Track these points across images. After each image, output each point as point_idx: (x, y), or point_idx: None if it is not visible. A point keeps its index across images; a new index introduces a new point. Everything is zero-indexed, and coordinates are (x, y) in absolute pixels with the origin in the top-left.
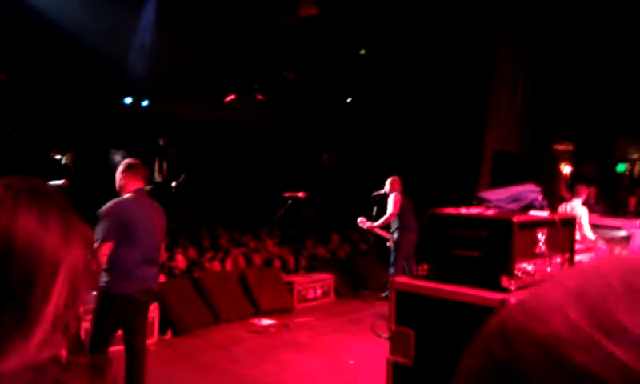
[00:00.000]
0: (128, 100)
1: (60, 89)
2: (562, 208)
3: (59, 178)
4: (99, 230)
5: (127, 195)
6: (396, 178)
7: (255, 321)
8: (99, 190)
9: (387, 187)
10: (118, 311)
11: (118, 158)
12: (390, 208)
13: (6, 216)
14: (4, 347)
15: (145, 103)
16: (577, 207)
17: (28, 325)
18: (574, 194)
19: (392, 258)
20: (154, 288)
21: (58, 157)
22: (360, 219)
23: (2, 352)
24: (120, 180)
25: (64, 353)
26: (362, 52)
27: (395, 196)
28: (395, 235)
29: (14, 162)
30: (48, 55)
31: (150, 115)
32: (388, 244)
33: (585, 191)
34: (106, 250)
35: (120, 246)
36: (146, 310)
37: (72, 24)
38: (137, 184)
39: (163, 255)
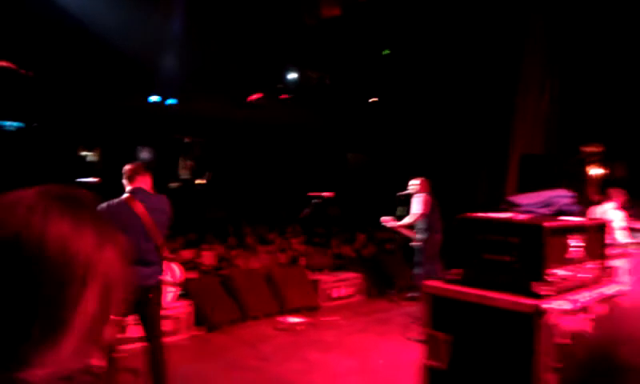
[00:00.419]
0: (154, 98)
1: (87, 86)
2: (592, 212)
3: (89, 176)
4: None
5: (118, 198)
6: (424, 179)
7: (282, 318)
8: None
9: (414, 188)
10: None
11: (144, 155)
12: (419, 208)
13: (39, 222)
14: (34, 356)
15: (170, 101)
16: (608, 211)
17: (58, 334)
18: (605, 198)
19: (417, 259)
20: (152, 285)
21: (85, 154)
22: (384, 218)
23: (33, 361)
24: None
25: (99, 362)
26: (386, 52)
27: (424, 196)
28: (420, 236)
29: (42, 160)
30: (75, 52)
31: (176, 113)
32: (414, 244)
33: (619, 195)
34: None
35: None
36: (148, 306)
37: (99, 21)
38: (135, 184)
39: (165, 252)
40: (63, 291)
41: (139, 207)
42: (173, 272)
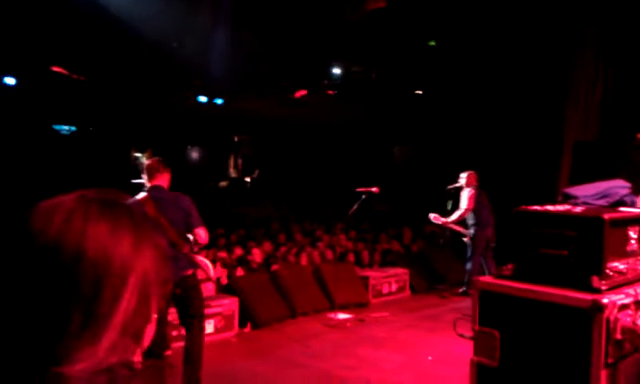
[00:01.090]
0: (203, 98)
1: (138, 89)
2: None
3: (141, 177)
4: None
5: (134, 198)
6: (472, 172)
7: (331, 315)
8: (177, 185)
9: (462, 181)
10: None
11: (194, 154)
12: (465, 203)
13: (78, 226)
14: (73, 351)
15: (219, 101)
16: None
17: (97, 329)
18: None
19: (468, 254)
20: (177, 280)
21: (137, 154)
22: (433, 216)
23: (72, 355)
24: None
25: (137, 358)
26: (432, 43)
27: (470, 191)
28: (471, 231)
29: (96, 162)
30: (124, 56)
31: (225, 113)
32: (465, 239)
33: None
34: None
35: None
36: (180, 302)
37: (148, 24)
38: (153, 182)
39: (185, 248)
40: (102, 290)
41: (151, 206)
42: (206, 267)
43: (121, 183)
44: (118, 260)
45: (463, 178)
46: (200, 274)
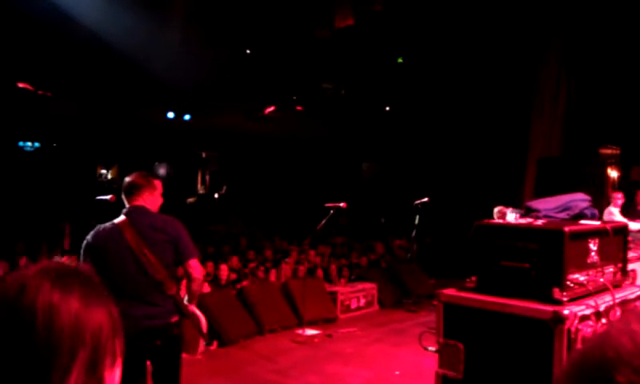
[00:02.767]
0: (170, 114)
1: (104, 105)
2: (605, 213)
3: (106, 194)
4: None
5: (111, 221)
6: (502, 207)
7: (299, 331)
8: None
9: (497, 215)
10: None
11: (161, 170)
12: None
13: (29, 297)
14: None
15: (187, 117)
16: (612, 213)
17: None
18: (612, 200)
19: None
20: (158, 327)
21: (103, 171)
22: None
23: None
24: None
25: None
26: (400, 60)
27: None
28: None
29: (61, 179)
30: (90, 71)
31: (192, 128)
32: None
33: (617, 196)
34: None
35: (105, 281)
36: (157, 355)
37: (114, 40)
38: (135, 202)
39: (172, 289)
40: (51, 365)
41: (131, 233)
42: (195, 316)
43: (85, 200)
44: (67, 329)
45: (496, 213)
46: (188, 329)
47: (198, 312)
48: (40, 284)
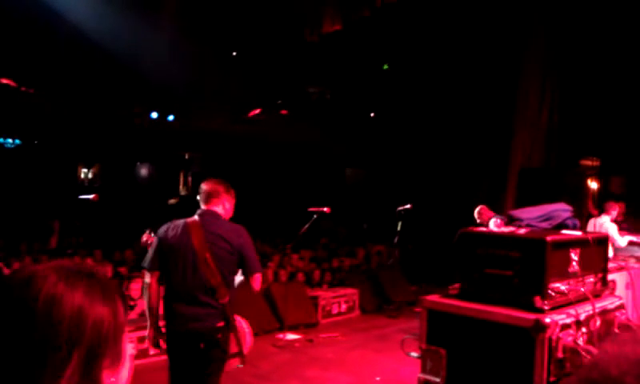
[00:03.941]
0: (154, 114)
1: (87, 102)
2: (590, 225)
3: (88, 193)
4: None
5: (184, 219)
6: (483, 207)
7: (280, 335)
8: (126, 202)
9: (476, 216)
10: (170, 348)
11: (143, 171)
12: None
13: (34, 288)
14: None
15: (171, 117)
16: (605, 224)
17: None
18: (602, 211)
19: None
20: (202, 330)
21: (84, 170)
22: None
23: None
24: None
25: None
26: (385, 67)
27: (497, 224)
28: None
29: (42, 177)
30: (75, 69)
31: (176, 129)
32: None
33: (614, 207)
34: (148, 278)
35: (167, 276)
36: (198, 358)
37: (99, 38)
38: (209, 207)
39: (224, 297)
40: (48, 354)
41: (199, 235)
42: (242, 334)
43: (66, 198)
44: (67, 323)
45: (476, 213)
46: (232, 345)
47: (244, 325)
48: (47, 277)
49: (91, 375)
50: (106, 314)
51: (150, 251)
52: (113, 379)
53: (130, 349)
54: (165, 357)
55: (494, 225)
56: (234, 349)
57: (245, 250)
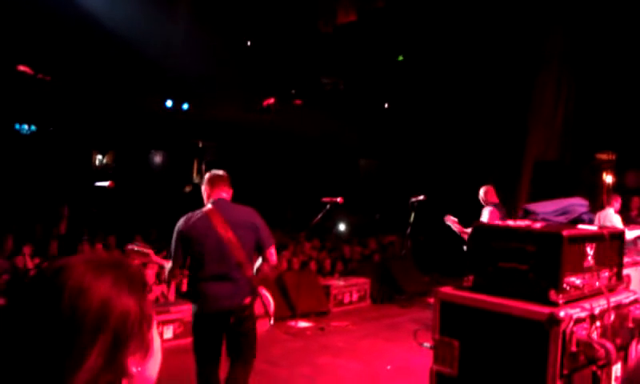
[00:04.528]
0: (169, 103)
1: (102, 90)
2: (595, 218)
3: (103, 180)
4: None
5: (199, 210)
6: (490, 187)
7: (292, 323)
8: (139, 189)
9: (481, 197)
10: (199, 332)
11: (157, 158)
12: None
13: (64, 278)
14: None
15: (185, 106)
16: (609, 215)
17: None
18: (607, 203)
19: None
20: (233, 307)
21: (99, 157)
22: (451, 219)
23: None
24: (203, 194)
25: None
26: (400, 58)
27: (492, 210)
28: None
29: (57, 163)
30: (90, 56)
31: (190, 117)
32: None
33: (617, 199)
34: (171, 265)
35: (191, 262)
36: (233, 333)
37: (114, 26)
38: (216, 195)
39: (249, 270)
40: (73, 342)
41: (219, 220)
42: (267, 301)
43: (81, 185)
44: (92, 313)
45: (482, 192)
46: (258, 308)
47: (267, 293)
48: (75, 267)
49: (115, 363)
50: (132, 304)
51: (173, 244)
52: (139, 369)
53: (158, 340)
54: (179, 342)
55: (487, 214)
56: (260, 310)
57: (259, 227)
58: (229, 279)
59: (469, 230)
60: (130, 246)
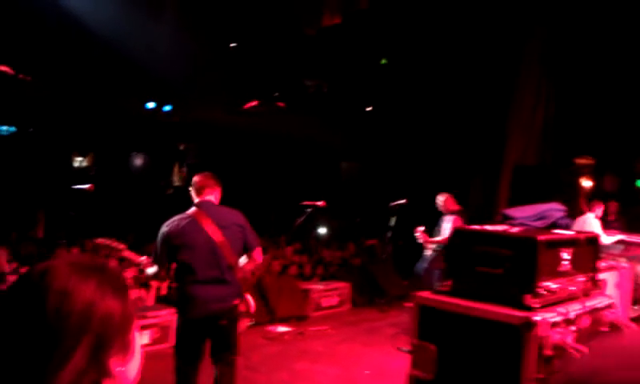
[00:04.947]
0: (150, 105)
1: (83, 91)
2: (576, 222)
3: (83, 183)
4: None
5: (185, 213)
6: (449, 196)
7: (271, 327)
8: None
9: (440, 205)
10: (185, 337)
11: (138, 161)
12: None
13: (48, 281)
14: None
15: (167, 108)
16: (589, 220)
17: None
18: (588, 209)
19: (422, 266)
20: (224, 309)
21: (78, 159)
22: (420, 231)
23: None
24: (192, 194)
25: None
26: (383, 61)
27: (455, 219)
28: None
29: (36, 165)
30: (72, 57)
31: (171, 119)
32: (429, 249)
33: (599, 205)
34: (156, 269)
35: (179, 266)
36: (219, 334)
37: (97, 26)
38: (203, 197)
39: (239, 272)
40: (56, 344)
41: (207, 222)
42: (248, 301)
43: (61, 188)
44: (76, 315)
45: (440, 201)
46: (240, 307)
47: (248, 296)
48: (60, 270)
49: (98, 364)
50: (116, 307)
51: (158, 248)
52: (121, 369)
53: (139, 341)
54: (155, 347)
55: (450, 222)
56: (242, 310)
57: (246, 227)
58: (221, 282)
59: (436, 240)
60: (100, 240)
